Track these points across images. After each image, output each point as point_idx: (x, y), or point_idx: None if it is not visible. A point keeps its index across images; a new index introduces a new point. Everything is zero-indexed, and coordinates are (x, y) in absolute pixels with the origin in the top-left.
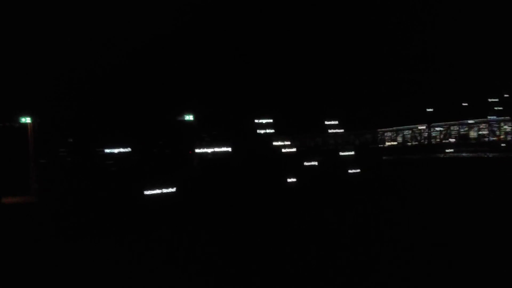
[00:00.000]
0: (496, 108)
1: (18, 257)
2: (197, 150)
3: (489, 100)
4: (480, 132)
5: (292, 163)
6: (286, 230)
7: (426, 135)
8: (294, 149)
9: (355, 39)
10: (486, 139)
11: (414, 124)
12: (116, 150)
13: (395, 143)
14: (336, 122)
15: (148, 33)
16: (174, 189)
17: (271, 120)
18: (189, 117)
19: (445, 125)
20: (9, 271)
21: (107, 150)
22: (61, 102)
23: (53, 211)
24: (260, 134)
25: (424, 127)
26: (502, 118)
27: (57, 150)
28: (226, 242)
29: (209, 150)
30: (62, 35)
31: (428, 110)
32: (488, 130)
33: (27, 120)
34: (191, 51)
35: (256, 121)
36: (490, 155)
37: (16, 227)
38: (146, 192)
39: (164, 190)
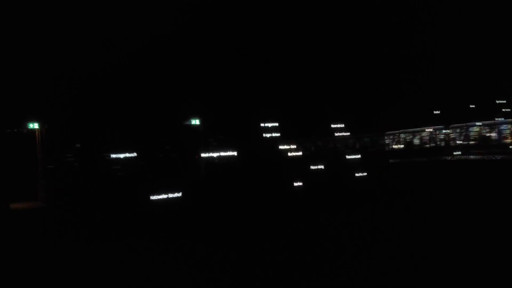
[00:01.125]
0: (504, 110)
1: (27, 262)
2: (203, 155)
3: (497, 101)
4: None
5: (298, 167)
6: (293, 234)
7: (432, 138)
8: (300, 153)
9: (361, 40)
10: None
11: (420, 127)
12: (123, 155)
13: (402, 146)
14: (342, 126)
15: (152, 37)
16: (180, 194)
17: (276, 124)
18: (196, 122)
19: (452, 127)
20: (18, 276)
21: (114, 155)
22: (68, 107)
23: (61, 216)
24: (266, 138)
25: (431, 130)
26: (510, 119)
27: (64, 155)
28: (232, 246)
29: (215, 155)
30: (67, 42)
31: (435, 112)
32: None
33: (35, 126)
34: (197, 55)
35: (261, 125)
36: (498, 157)
37: (24, 232)
38: (152, 197)
39: (170, 195)
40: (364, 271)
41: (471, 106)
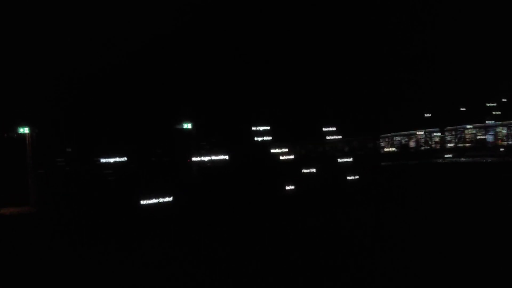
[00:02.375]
0: (494, 112)
1: (18, 267)
2: (194, 159)
3: (487, 104)
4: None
5: (290, 171)
6: (285, 238)
7: (424, 141)
8: (292, 156)
9: (351, 45)
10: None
11: (412, 130)
12: (114, 159)
13: (393, 149)
14: (334, 129)
15: (142, 42)
16: (171, 199)
17: (268, 128)
18: (188, 125)
19: (444, 130)
20: (9, 281)
21: (105, 160)
22: (59, 111)
23: (52, 221)
24: (257, 141)
25: (421, 133)
26: (500, 122)
27: (55, 160)
28: (224, 250)
29: (207, 158)
30: (57, 47)
31: (426, 115)
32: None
33: (25, 130)
34: (188, 60)
35: (253, 128)
36: (489, 159)
37: (15, 237)
38: (143, 202)
39: (161, 200)
40: (357, 271)
41: (462, 109)
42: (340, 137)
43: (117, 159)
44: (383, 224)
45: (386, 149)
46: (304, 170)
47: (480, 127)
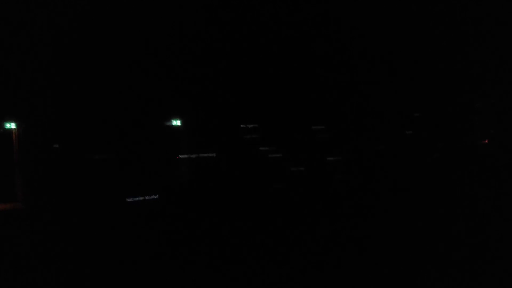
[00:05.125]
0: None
1: (6, 264)
2: (181, 156)
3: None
4: None
5: (278, 169)
6: (274, 238)
7: (413, 140)
8: (280, 155)
9: (341, 40)
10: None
11: (401, 129)
12: (102, 156)
13: (383, 148)
14: (323, 127)
15: (132, 37)
16: (157, 196)
17: (257, 125)
18: (177, 122)
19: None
20: None
21: (93, 156)
22: (47, 107)
23: (40, 218)
24: (246, 139)
25: (410, 132)
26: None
27: (42, 155)
28: (212, 250)
29: (194, 156)
30: (43, 36)
31: (415, 115)
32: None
33: (11, 125)
34: (178, 55)
35: (242, 125)
36: (476, 161)
37: (2, 234)
38: (129, 199)
39: (147, 197)
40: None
41: (449, 111)
42: (329, 135)
43: (105, 156)
44: (373, 224)
45: (376, 149)
46: (292, 169)
47: (467, 129)
